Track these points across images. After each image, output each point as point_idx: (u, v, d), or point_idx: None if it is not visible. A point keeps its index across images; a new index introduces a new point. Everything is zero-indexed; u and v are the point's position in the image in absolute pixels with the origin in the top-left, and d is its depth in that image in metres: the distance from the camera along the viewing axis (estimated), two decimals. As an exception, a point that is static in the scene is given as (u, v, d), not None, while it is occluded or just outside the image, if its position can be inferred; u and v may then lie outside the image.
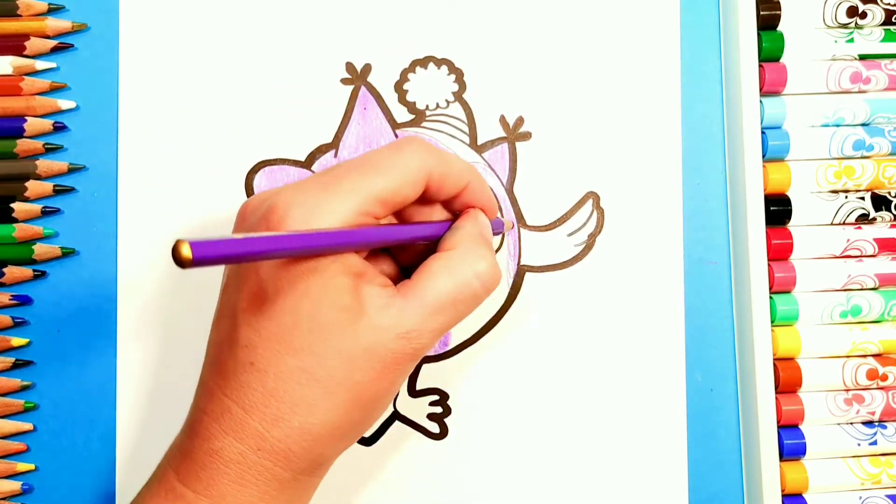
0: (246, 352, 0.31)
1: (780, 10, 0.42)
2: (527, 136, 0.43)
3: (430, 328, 0.32)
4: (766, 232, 0.42)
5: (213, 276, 0.42)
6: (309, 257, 0.31)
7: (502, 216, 0.42)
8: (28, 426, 0.42)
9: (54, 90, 0.42)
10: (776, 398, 0.42)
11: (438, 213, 0.36)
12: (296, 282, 0.31)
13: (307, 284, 0.31)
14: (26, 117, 0.42)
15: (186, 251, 0.24)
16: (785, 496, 0.42)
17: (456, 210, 0.36)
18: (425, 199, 0.35)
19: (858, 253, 0.43)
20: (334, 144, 0.43)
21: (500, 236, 0.43)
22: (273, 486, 0.32)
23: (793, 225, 0.43)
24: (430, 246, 0.35)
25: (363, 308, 0.31)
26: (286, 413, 0.31)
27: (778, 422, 0.42)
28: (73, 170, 0.42)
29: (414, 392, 0.43)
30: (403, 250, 0.37)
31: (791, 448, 0.42)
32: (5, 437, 0.42)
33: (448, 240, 0.34)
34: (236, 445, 0.31)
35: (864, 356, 0.43)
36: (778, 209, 0.42)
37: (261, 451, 0.31)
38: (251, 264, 0.31)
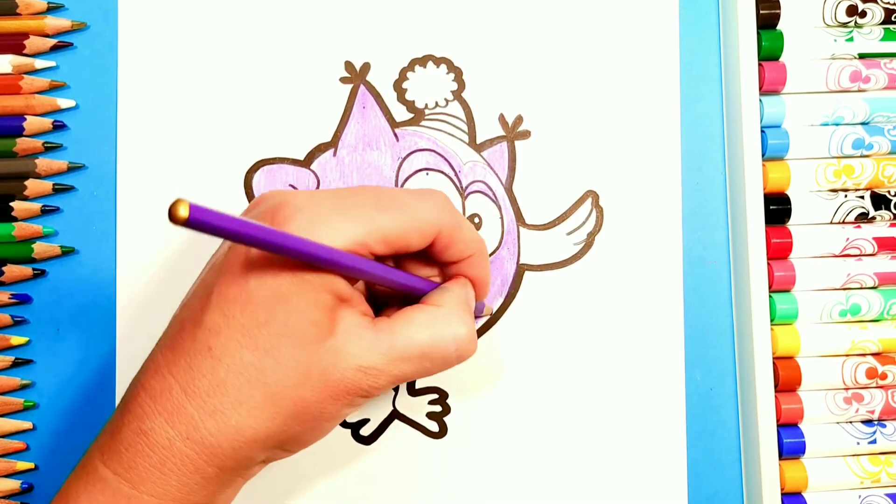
0: (208, 334, 0.31)
1: (779, 8, 0.42)
2: (526, 134, 0.43)
3: (391, 372, 0.32)
4: (766, 231, 0.42)
5: (212, 275, 0.42)
6: (309, 265, 0.31)
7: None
8: (27, 425, 0.42)
9: (54, 89, 0.42)
10: (775, 397, 0.42)
11: (430, 272, 0.36)
12: (281, 282, 0.31)
13: (290, 290, 0.30)
14: (26, 116, 0.42)
15: (184, 211, 0.24)
16: (784, 495, 0.42)
17: (450, 276, 0.36)
18: (426, 254, 0.35)
19: (858, 252, 0.43)
20: (333, 143, 0.43)
21: (499, 234, 0.43)
22: (195, 479, 0.31)
23: (792, 224, 0.43)
24: (411, 297, 0.36)
25: (334, 329, 0.31)
26: (227, 408, 0.31)
27: (777, 420, 0.42)
28: (72, 168, 0.42)
29: (413, 391, 0.43)
30: (386, 297, 0.37)
31: (790, 447, 0.42)
32: (5, 436, 0.42)
33: (435, 296, 0.34)
34: (166, 429, 0.31)
35: (864, 355, 0.43)
36: (777, 208, 0.42)
37: (189, 441, 0.31)
38: (244, 257, 0.31)
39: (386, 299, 0.37)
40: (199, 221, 0.25)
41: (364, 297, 0.35)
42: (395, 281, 0.34)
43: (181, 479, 0.31)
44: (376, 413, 0.43)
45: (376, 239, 0.32)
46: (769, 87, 0.42)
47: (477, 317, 0.38)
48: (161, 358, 0.32)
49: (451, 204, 0.34)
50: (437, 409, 0.43)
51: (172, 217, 0.24)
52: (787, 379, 0.42)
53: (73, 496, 0.32)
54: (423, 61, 0.43)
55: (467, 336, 0.33)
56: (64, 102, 0.42)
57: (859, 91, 0.43)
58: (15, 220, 0.42)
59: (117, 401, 0.42)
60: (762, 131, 0.42)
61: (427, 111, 0.43)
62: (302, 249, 0.29)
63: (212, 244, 0.42)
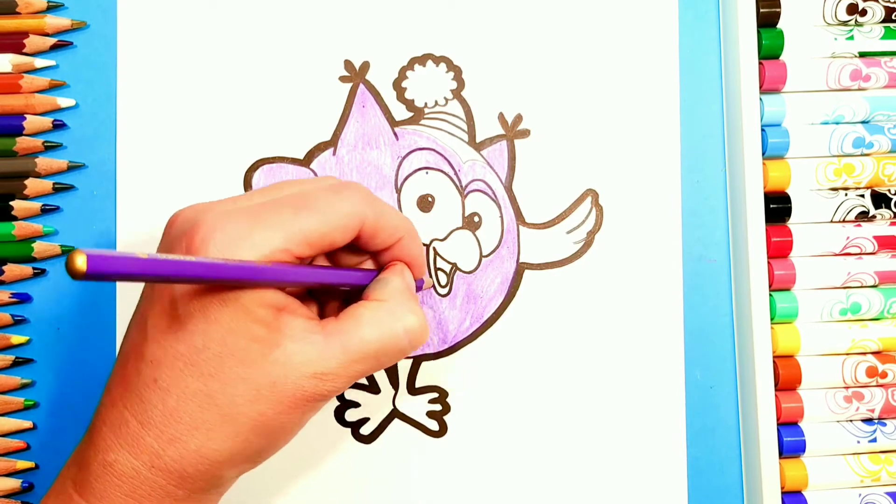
0: (151, 368, 0.31)
1: (779, 7, 0.42)
2: (525, 133, 0.43)
3: (347, 374, 0.32)
4: (766, 229, 0.42)
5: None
6: (220, 287, 0.30)
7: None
8: (28, 424, 0.42)
9: (53, 88, 0.42)
10: (776, 395, 0.42)
11: (366, 262, 0.36)
12: (209, 306, 0.30)
13: (220, 312, 0.30)
14: (26, 115, 0.42)
15: (81, 262, 0.22)
16: (784, 493, 0.42)
17: (383, 262, 0.36)
18: (354, 246, 0.35)
19: (858, 250, 0.43)
20: (333, 142, 0.43)
21: (499, 233, 0.43)
22: (167, 502, 0.31)
23: (792, 222, 0.43)
24: (351, 291, 0.35)
25: (280, 341, 0.31)
26: (184, 434, 0.31)
27: (777, 419, 0.42)
28: (72, 168, 0.42)
29: (413, 390, 0.43)
30: (325, 293, 0.36)
31: (791, 445, 0.42)
32: (5, 435, 0.42)
33: (376, 290, 0.34)
34: (130, 460, 0.31)
35: (864, 353, 0.43)
36: (777, 207, 0.42)
37: (154, 469, 0.31)
38: (169, 285, 0.31)
39: (324, 294, 0.36)
40: (100, 272, 0.23)
41: (301, 300, 0.35)
42: (328, 282, 0.34)
43: (154, 503, 0.31)
44: (376, 412, 0.43)
45: (297, 242, 0.31)
46: (769, 85, 0.42)
47: (418, 290, 0.38)
48: (115, 391, 0.32)
49: (369, 193, 0.34)
50: (437, 407, 0.43)
51: (70, 270, 0.22)
52: (787, 378, 0.42)
53: None
54: (422, 60, 0.43)
55: (418, 325, 0.33)
56: (64, 101, 0.42)
57: (860, 90, 0.43)
58: (15, 219, 0.42)
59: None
60: (762, 130, 0.42)
61: (427, 110, 0.43)
62: (224, 276, 0.29)
63: (212, 243, 0.42)
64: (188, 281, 0.28)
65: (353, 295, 0.35)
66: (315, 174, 0.42)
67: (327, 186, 0.33)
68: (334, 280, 0.34)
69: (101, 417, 0.32)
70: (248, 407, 0.31)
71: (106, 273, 0.23)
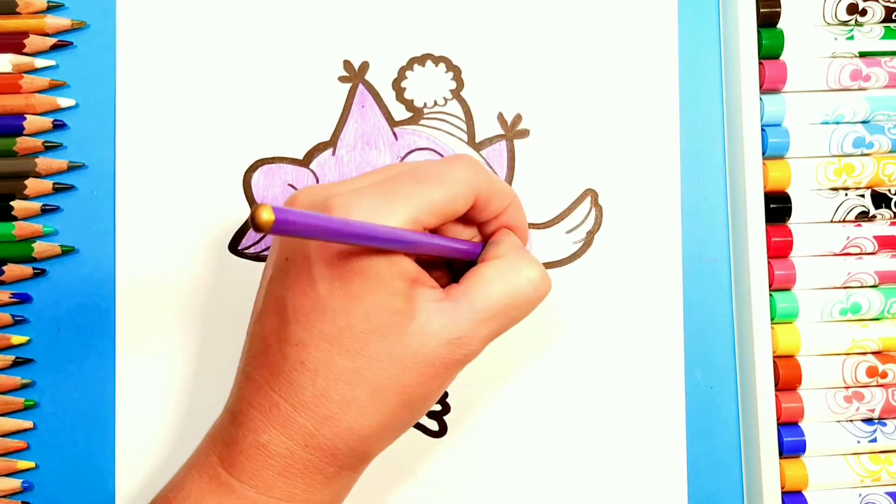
0: (297, 350, 0.31)
1: (779, 7, 0.42)
2: (525, 133, 0.43)
3: (481, 334, 0.33)
4: (766, 229, 0.42)
5: (211, 275, 0.42)
6: (372, 255, 0.31)
7: None
8: (28, 424, 0.42)
9: (54, 88, 0.42)
10: (776, 395, 0.42)
11: (470, 234, 0.36)
12: (350, 284, 0.31)
13: (362, 287, 0.31)
14: (26, 115, 0.42)
15: (268, 215, 0.24)
16: (785, 493, 0.42)
17: (489, 232, 0.36)
18: (465, 217, 0.35)
19: (858, 250, 0.43)
20: (332, 142, 0.43)
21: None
22: (318, 479, 0.32)
23: (792, 222, 0.43)
24: (457, 263, 0.36)
25: (414, 312, 0.32)
26: (335, 413, 0.31)
27: (777, 419, 0.42)
28: (72, 168, 0.42)
29: (413, 390, 0.43)
30: (430, 264, 0.37)
31: (791, 445, 0.42)
32: (5, 435, 0.42)
33: (491, 251, 0.35)
34: (284, 441, 0.32)
35: (864, 353, 0.42)
36: (778, 206, 0.42)
37: (308, 448, 0.32)
38: (303, 263, 0.31)
39: (430, 265, 0.37)
40: (286, 222, 0.25)
41: None
42: (452, 248, 0.34)
43: (305, 481, 0.32)
44: (376, 412, 0.43)
45: (427, 213, 0.32)
46: (769, 85, 0.42)
47: None
48: (258, 375, 0.33)
49: (479, 164, 0.34)
50: (437, 407, 0.43)
51: (257, 223, 0.24)
52: (787, 377, 0.42)
53: (197, 496, 0.33)
54: (421, 60, 0.43)
55: (540, 274, 0.34)
56: (64, 101, 0.42)
57: (860, 89, 0.43)
58: (15, 219, 0.42)
59: (117, 399, 0.42)
60: (762, 130, 0.42)
61: (426, 110, 0.43)
62: (382, 236, 0.29)
63: (209, 243, 0.42)
64: (352, 241, 0.29)
65: (457, 269, 0.36)
66: (315, 175, 0.42)
67: (441, 161, 0.34)
68: (462, 248, 0.35)
69: (246, 399, 0.33)
70: (394, 380, 0.31)
71: (289, 223, 0.25)
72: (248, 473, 0.32)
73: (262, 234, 0.25)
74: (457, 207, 0.33)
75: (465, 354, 0.33)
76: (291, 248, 0.33)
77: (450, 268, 0.37)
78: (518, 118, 0.43)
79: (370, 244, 0.30)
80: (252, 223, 0.24)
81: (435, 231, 0.35)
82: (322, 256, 0.31)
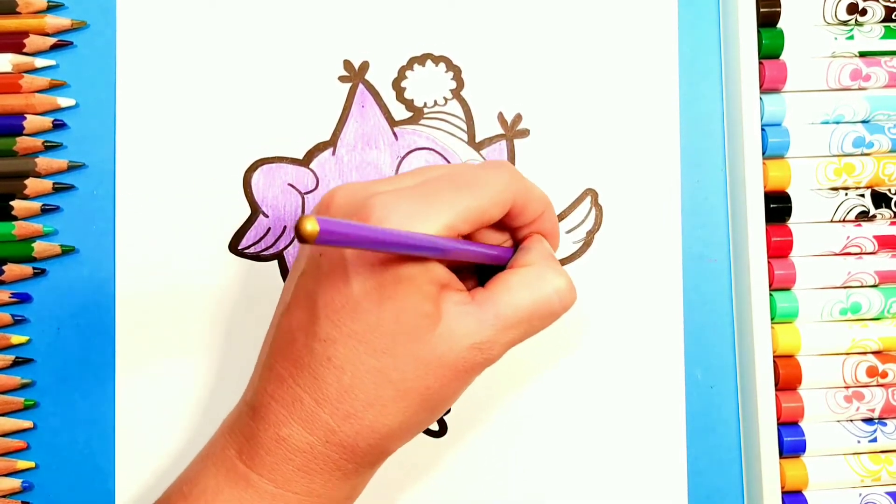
0: (324, 346, 0.31)
1: (779, 6, 0.42)
2: (525, 133, 0.43)
3: (503, 341, 0.33)
4: (766, 229, 0.42)
5: (211, 275, 0.42)
6: (407, 259, 0.31)
7: None
8: (28, 424, 0.42)
9: (54, 88, 0.42)
10: (776, 395, 0.42)
11: (501, 239, 0.37)
12: (385, 284, 0.31)
13: (395, 289, 0.31)
14: (26, 115, 0.42)
15: (312, 226, 0.24)
16: (785, 493, 0.42)
17: (521, 237, 0.36)
18: (499, 222, 0.35)
19: (858, 250, 0.43)
20: (332, 142, 0.43)
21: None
22: (336, 475, 0.33)
23: (793, 222, 0.43)
24: (485, 268, 0.36)
25: (441, 316, 0.32)
26: (359, 410, 0.32)
27: (778, 419, 0.42)
28: (72, 167, 0.42)
29: (413, 389, 0.43)
30: (459, 268, 0.37)
31: (791, 445, 0.42)
32: (5, 435, 0.42)
33: (521, 258, 0.35)
34: (305, 435, 0.32)
35: (864, 353, 0.42)
36: (778, 206, 0.42)
37: (329, 444, 0.32)
38: (339, 261, 0.32)
39: (459, 269, 0.37)
40: (331, 234, 0.25)
41: None
42: (484, 255, 0.34)
43: (324, 477, 0.32)
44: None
45: (462, 220, 0.32)
46: (769, 85, 0.42)
47: None
48: (281, 368, 0.33)
49: (516, 170, 0.34)
50: (437, 407, 0.43)
51: (301, 234, 0.24)
52: (787, 377, 0.42)
53: (213, 489, 0.33)
54: (421, 60, 0.43)
55: (566, 286, 0.34)
56: (64, 101, 0.42)
57: (860, 89, 0.43)
58: (15, 219, 0.42)
59: (117, 399, 0.42)
60: (762, 129, 0.42)
61: (426, 110, 0.43)
62: (420, 245, 0.30)
63: (209, 243, 0.42)
64: (391, 250, 0.29)
65: (486, 271, 0.36)
66: (315, 174, 0.42)
67: (479, 166, 0.34)
68: (493, 253, 0.35)
69: (267, 392, 0.33)
70: (418, 382, 0.32)
71: (334, 235, 0.25)
72: (267, 467, 0.32)
73: (306, 245, 0.25)
74: (493, 215, 0.33)
75: (486, 359, 0.33)
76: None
77: (477, 269, 0.37)
78: (518, 118, 0.43)
79: (408, 252, 0.30)
80: (297, 234, 0.24)
81: (468, 236, 0.35)
82: (358, 256, 0.31)
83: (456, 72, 0.43)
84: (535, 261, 0.34)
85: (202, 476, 0.33)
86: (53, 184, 0.42)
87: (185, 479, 0.34)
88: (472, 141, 0.43)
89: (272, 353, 0.33)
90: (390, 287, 0.31)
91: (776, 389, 0.42)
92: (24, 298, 0.42)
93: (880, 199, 0.43)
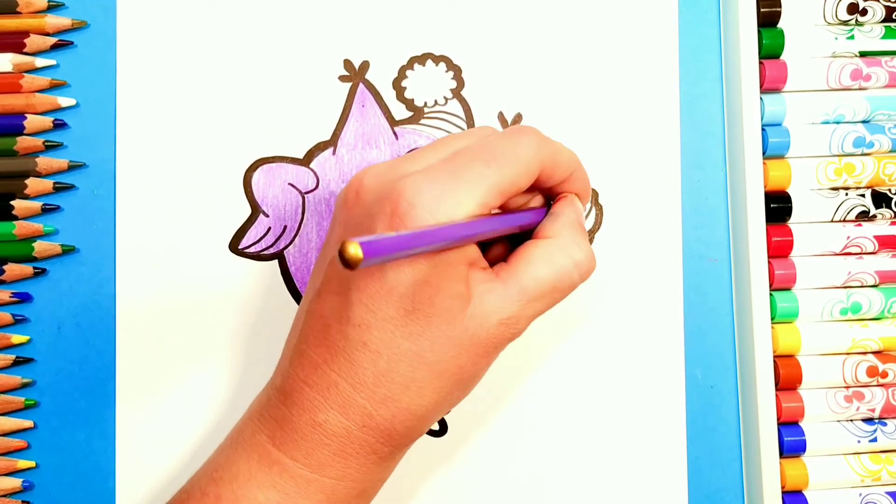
0: (359, 331, 0.31)
1: (780, 6, 0.42)
2: (525, 133, 0.43)
3: (528, 314, 0.33)
4: (767, 229, 0.42)
5: (211, 275, 0.42)
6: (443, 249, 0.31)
7: None
8: (28, 423, 0.42)
9: (54, 87, 0.42)
10: (776, 395, 0.42)
11: (535, 200, 0.36)
12: (418, 268, 0.31)
13: (429, 272, 0.31)
14: (26, 115, 0.42)
15: (355, 250, 0.24)
16: (785, 493, 0.42)
17: (553, 194, 0.36)
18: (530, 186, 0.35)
19: (858, 250, 0.43)
20: (332, 142, 0.43)
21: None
22: (372, 459, 0.33)
23: (793, 222, 0.43)
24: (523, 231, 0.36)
25: (471, 295, 0.32)
26: (396, 394, 0.32)
27: (778, 419, 0.42)
28: (73, 167, 0.42)
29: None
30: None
31: (791, 445, 0.42)
32: (6, 435, 0.42)
33: (547, 227, 0.35)
34: (342, 420, 0.32)
35: (864, 353, 0.42)
36: (778, 206, 0.42)
37: (366, 428, 0.32)
38: None
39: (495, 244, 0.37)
40: (376, 254, 0.25)
41: None
42: (516, 225, 0.34)
43: (360, 461, 0.32)
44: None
45: (494, 194, 0.32)
46: (770, 85, 0.42)
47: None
48: (314, 354, 0.33)
49: (542, 135, 0.34)
50: (438, 407, 0.43)
51: (347, 261, 0.24)
52: (787, 377, 0.42)
53: (246, 473, 0.33)
54: (422, 59, 0.43)
55: (586, 258, 0.34)
56: (64, 101, 0.42)
57: (860, 89, 0.43)
58: (15, 218, 0.42)
59: (118, 399, 0.42)
60: (763, 129, 0.42)
61: (426, 109, 0.43)
62: (455, 236, 0.30)
63: (209, 242, 0.42)
64: (429, 250, 0.29)
65: (516, 239, 0.36)
66: (315, 174, 0.42)
67: (504, 135, 0.34)
68: (519, 223, 0.35)
69: (300, 378, 0.33)
70: (452, 362, 0.32)
71: (379, 255, 0.25)
72: (302, 452, 0.32)
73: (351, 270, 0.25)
74: (522, 185, 0.33)
75: (513, 333, 0.33)
76: (358, 229, 0.33)
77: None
78: (518, 118, 0.43)
79: (448, 246, 0.31)
80: (342, 261, 0.24)
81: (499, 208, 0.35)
82: None
83: (456, 71, 0.43)
84: (559, 232, 0.34)
85: (233, 462, 0.33)
86: (54, 183, 0.42)
87: (215, 465, 0.34)
88: (472, 141, 0.43)
89: (303, 338, 0.33)
90: (425, 272, 0.31)
91: (776, 389, 0.42)
92: (24, 298, 0.42)
93: (881, 199, 0.43)
